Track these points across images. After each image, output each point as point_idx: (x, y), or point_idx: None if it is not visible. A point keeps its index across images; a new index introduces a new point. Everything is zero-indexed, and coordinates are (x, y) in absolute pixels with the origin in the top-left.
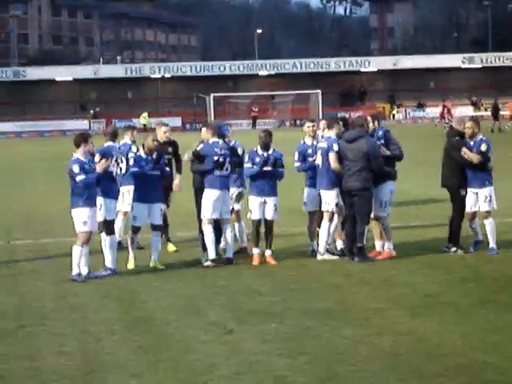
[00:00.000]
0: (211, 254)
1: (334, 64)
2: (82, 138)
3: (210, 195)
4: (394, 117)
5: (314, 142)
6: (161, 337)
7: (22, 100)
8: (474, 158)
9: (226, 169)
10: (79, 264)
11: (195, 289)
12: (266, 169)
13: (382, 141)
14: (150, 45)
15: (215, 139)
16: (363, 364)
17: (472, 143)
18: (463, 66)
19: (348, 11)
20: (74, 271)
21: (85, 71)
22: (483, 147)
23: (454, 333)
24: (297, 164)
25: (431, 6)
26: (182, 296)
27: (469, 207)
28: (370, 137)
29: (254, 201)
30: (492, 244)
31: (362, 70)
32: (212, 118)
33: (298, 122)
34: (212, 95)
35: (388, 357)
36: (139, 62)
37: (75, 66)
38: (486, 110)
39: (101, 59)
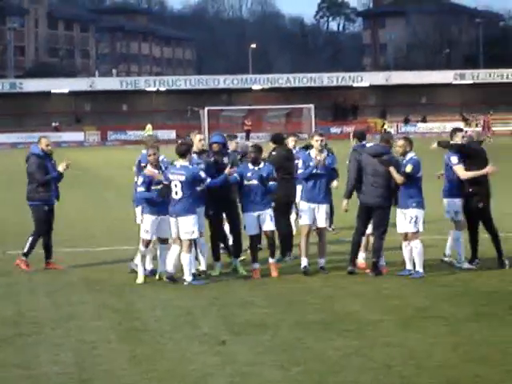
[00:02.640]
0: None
1: (326, 79)
2: (187, 148)
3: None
4: (385, 131)
5: (318, 157)
6: (155, 347)
7: (18, 112)
8: (397, 179)
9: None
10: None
11: (190, 300)
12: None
13: None
14: (145, 58)
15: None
16: (355, 375)
17: (404, 162)
18: (454, 82)
19: (341, 27)
20: (189, 276)
21: (80, 84)
22: (408, 168)
23: (445, 345)
24: (300, 171)
25: (423, 22)
26: (176, 307)
27: (402, 228)
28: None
29: (249, 217)
30: (417, 267)
31: (355, 85)
32: (206, 131)
33: None
34: (206, 108)
35: (380, 368)
36: (134, 75)
37: (71, 78)
38: (476, 125)
39: (96, 72)
